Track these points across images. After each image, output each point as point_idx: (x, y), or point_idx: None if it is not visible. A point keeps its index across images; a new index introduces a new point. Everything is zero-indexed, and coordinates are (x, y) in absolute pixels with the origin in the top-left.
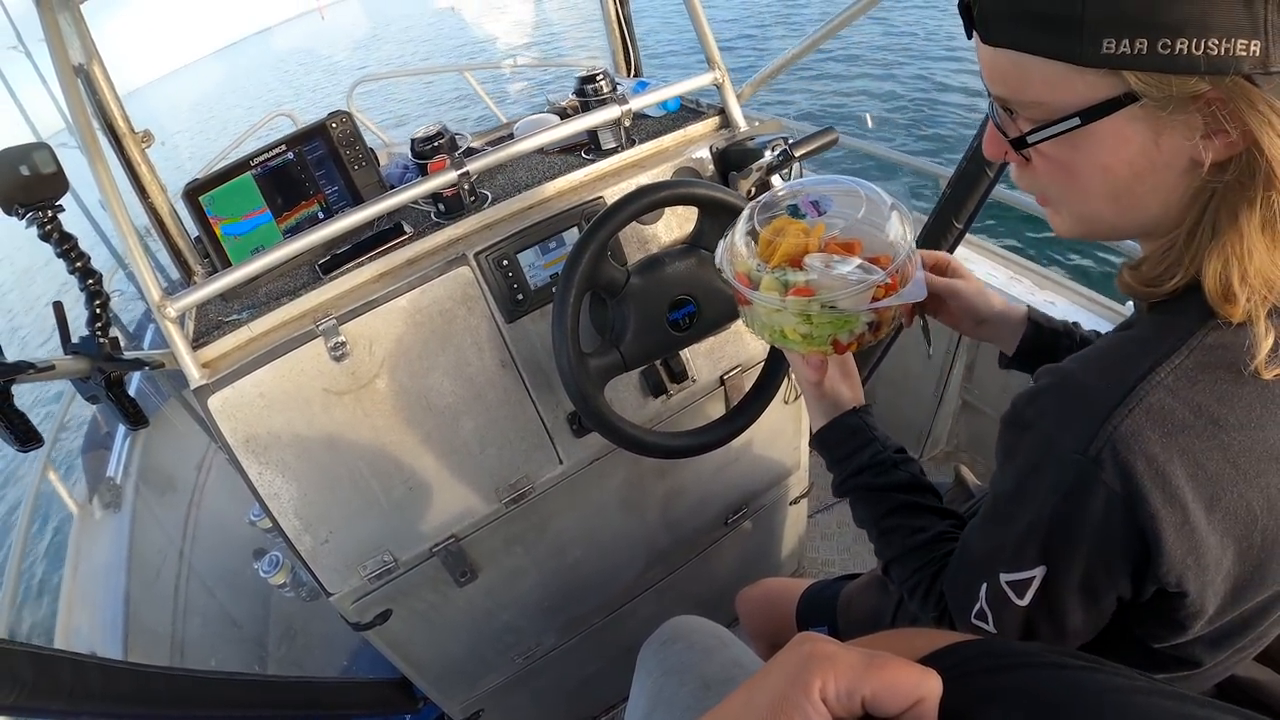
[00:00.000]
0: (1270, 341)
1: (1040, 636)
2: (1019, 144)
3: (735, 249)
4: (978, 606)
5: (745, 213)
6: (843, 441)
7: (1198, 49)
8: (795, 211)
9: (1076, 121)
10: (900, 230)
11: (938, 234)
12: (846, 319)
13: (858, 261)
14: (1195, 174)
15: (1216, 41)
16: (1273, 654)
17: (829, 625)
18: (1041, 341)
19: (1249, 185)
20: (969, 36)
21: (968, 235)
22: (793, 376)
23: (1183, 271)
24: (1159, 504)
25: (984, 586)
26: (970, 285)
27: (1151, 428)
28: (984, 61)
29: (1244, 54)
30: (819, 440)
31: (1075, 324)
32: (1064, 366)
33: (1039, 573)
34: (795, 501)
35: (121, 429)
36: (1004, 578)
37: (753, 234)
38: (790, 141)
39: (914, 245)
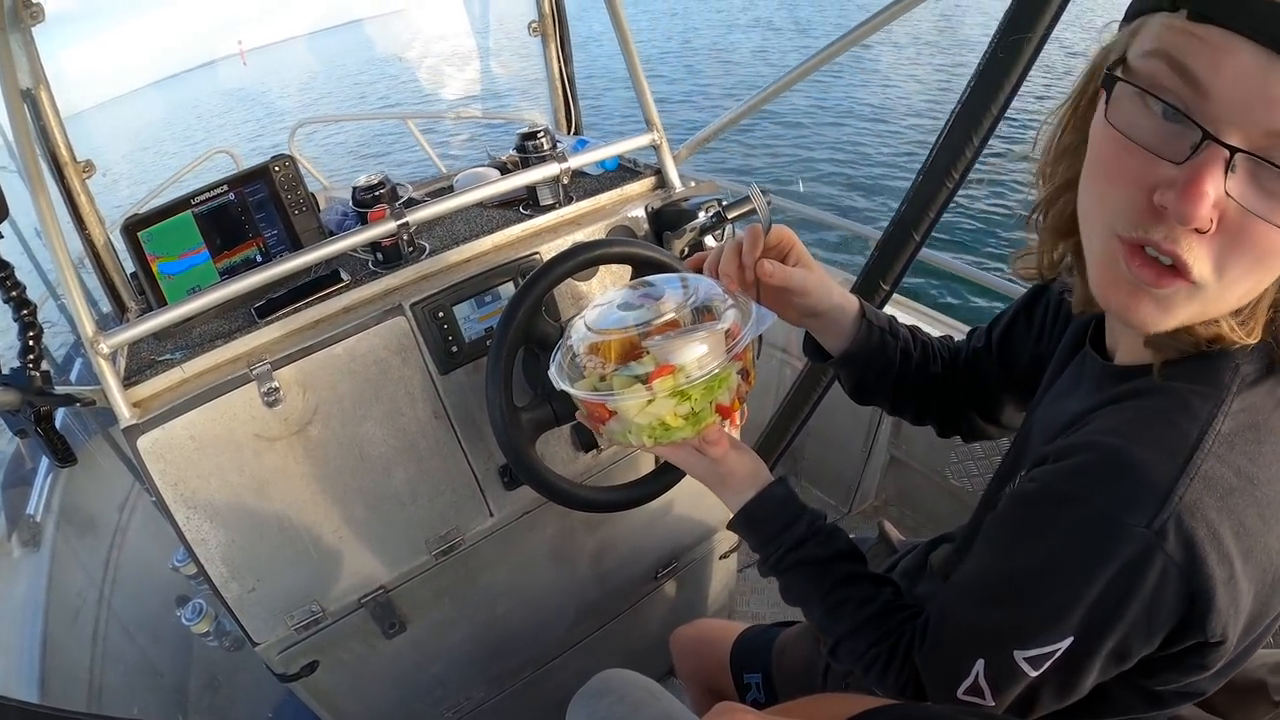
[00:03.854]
0: None
1: (1040, 701)
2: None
3: (577, 367)
4: (969, 682)
5: (571, 337)
6: (775, 514)
7: None
8: (628, 305)
9: None
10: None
11: (866, 295)
12: (720, 377)
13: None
14: None
15: None
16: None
17: (762, 672)
18: (872, 342)
19: None
20: None
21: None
22: None
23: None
24: (1214, 565)
25: (981, 662)
26: (813, 277)
27: (1209, 495)
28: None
29: None
30: (746, 518)
31: (892, 318)
32: (1105, 441)
33: (1065, 644)
34: (725, 556)
35: (44, 465)
36: (1020, 654)
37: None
38: (723, 204)
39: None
